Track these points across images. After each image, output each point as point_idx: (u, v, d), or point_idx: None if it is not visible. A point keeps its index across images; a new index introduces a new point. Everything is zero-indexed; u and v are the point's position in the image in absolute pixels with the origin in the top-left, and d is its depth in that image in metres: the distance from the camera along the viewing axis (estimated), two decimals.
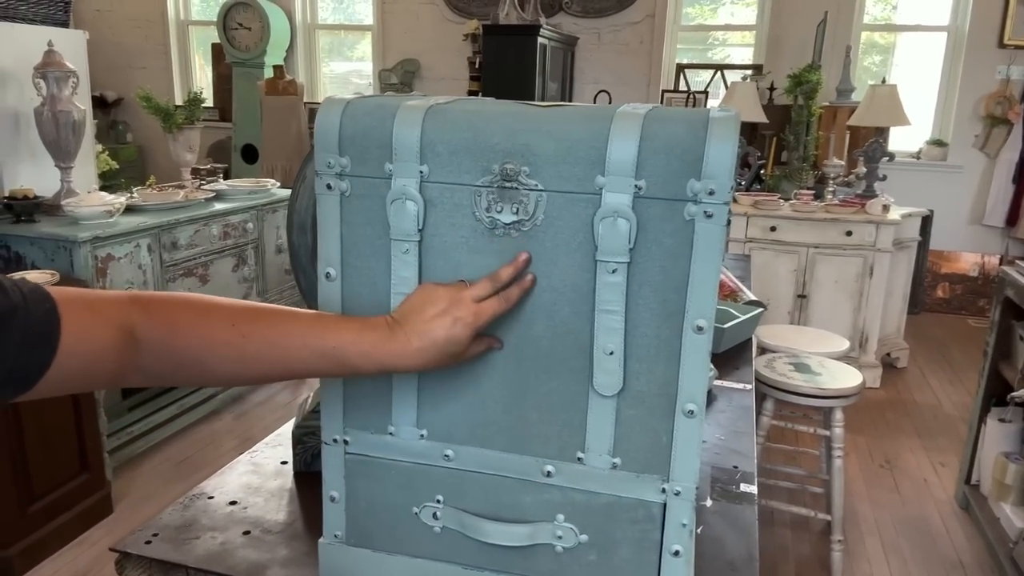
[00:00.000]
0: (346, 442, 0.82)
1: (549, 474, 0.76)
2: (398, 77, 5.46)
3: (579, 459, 0.75)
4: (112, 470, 2.49)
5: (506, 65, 4.02)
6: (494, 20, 4.18)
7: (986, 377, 2.53)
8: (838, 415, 2.16)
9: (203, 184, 3.12)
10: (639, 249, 0.69)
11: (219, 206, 2.91)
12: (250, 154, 5.54)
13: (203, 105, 3.05)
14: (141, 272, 2.51)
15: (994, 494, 2.41)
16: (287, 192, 3.37)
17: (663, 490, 0.74)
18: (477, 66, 4.93)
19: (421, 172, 0.72)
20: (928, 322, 4.78)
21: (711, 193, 0.66)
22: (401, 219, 0.73)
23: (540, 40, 4.07)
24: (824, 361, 2.32)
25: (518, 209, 0.71)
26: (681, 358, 0.70)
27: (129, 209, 2.58)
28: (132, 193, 2.70)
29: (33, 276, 2.16)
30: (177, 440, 2.91)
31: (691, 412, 0.71)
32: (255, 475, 1.14)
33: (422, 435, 0.79)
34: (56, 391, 0.62)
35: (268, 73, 5.35)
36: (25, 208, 2.36)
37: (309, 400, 1.22)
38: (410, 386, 0.78)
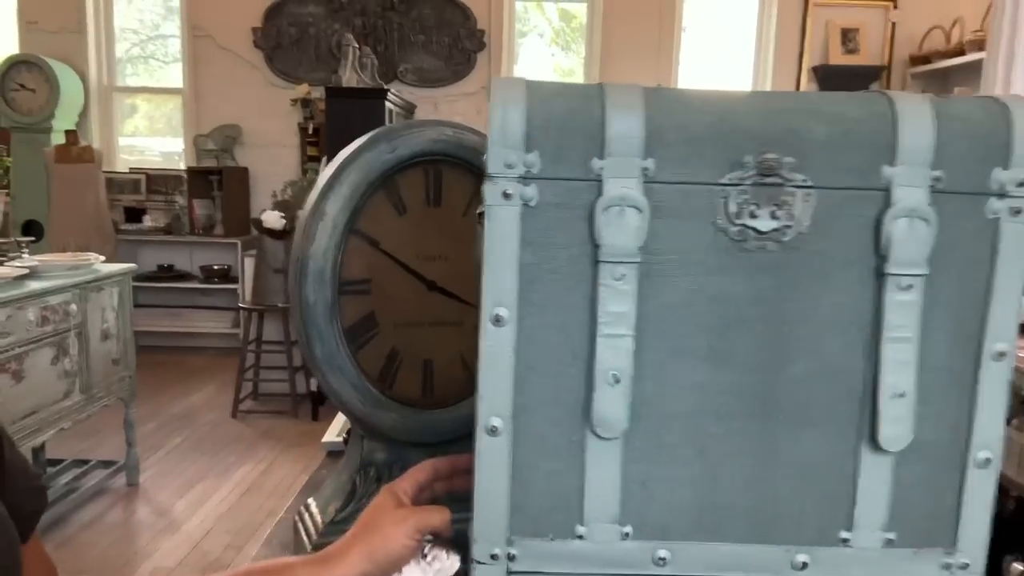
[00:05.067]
0: (511, 557, 0.57)
1: (804, 565, 0.58)
2: (216, 143, 5.00)
3: (843, 540, 0.58)
4: None
5: (353, 128, 3.81)
6: (336, 83, 3.97)
7: None
8: None
9: (6, 261, 2.55)
10: (933, 258, 0.55)
11: (34, 284, 2.37)
12: (32, 230, 4.74)
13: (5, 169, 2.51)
14: None
15: None
16: (112, 268, 2.87)
17: (947, 565, 0.58)
18: (311, 131, 4.66)
19: (645, 169, 0.54)
20: None
21: (1022, 184, 0.54)
22: (617, 233, 0.53)
23: (388, 104, 3.92)
24: None
25: (780, 212, 0.54)
26: (976, 393, 0.57)
27: None
28: None
29: None
30: None
31: (986, 461, 0.57)
32: None
33: (626, 533, 0.58)
34: None
35: (58, 139, 4.66)
36: None
37: (313, 508, 0.92)
38: (611, 464, 0.57)
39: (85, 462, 2.96)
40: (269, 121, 5.00)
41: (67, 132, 4.62)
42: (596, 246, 0.54)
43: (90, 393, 2.66)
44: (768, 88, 5.09)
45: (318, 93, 4.53)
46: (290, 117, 4.90)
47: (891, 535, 0.58)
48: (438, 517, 0.62)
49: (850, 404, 0.56)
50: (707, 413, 0.57)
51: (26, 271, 2.41)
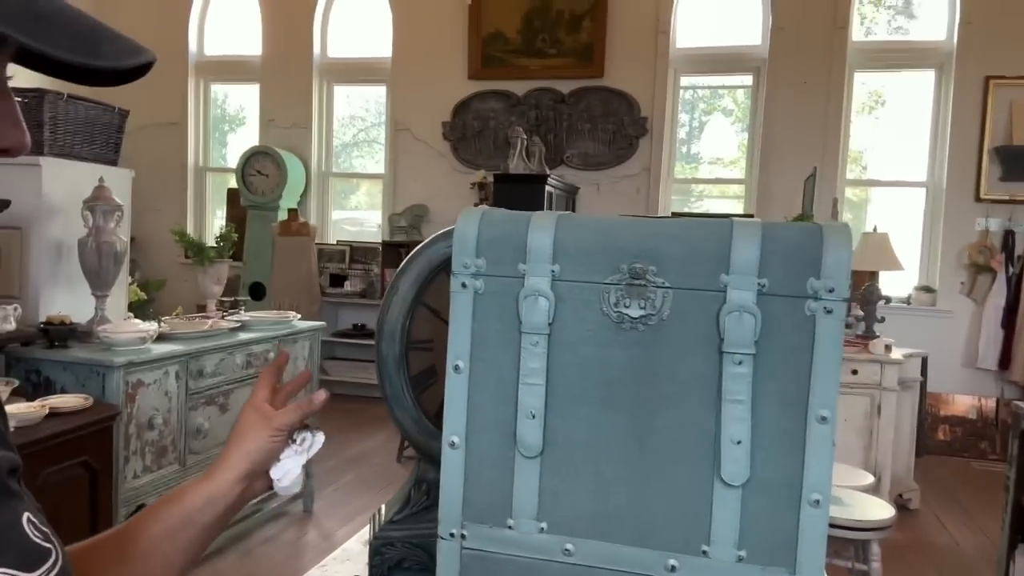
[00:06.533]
0: (463, 536, 0.82)
1: (673, 568, 0.77)
2: (407, 220, 5.69)
3: (704, 552, 0.77)
4: None
5: (515, 208, 4.23)
6: (504, 170, 4.45)
7: (1010, 513, 2.52)
8: (875, 549, 2.14)
9: (226, 315, 3.17)
10: (763, 342, 0.74)
11: (243, 336, 2.95)
12: (257, 291, 5.64)
13: (232, 241, 3.16)
14: (167, 399, 2.50)
15: None
16: (307, 324, 3.43)
17: None
18: None
19: (553, 271, 0.79)
20: (933, 464, 4.76)
21: (831, 291, 0.73)
22: (533, 314, 0.79)
23: (548, 188, 4.32)
24: (853, 493, 2.32)
25: (645, 304, 0.77)
26: (806, 448, 0.74)
27: (158, 337, 2.61)
28: (161, 322, 2.74)
29: (65, 400, 2.15)
30: None
31: (817, 502, 0.74)
32: None
33: (542, 528, 0.80)
34: None
35: (282, 215, 5.56)
36: (60, 334, 2.39)
37: (383, 511, 1.21)
38: (531, 476, 0.81)
39: (269, 488, 3.51)
40: (451, 202, 5.61)
41: (289, 210, 5.51)
42: (520, 322, 0.80)
43: None
44: (945, 169, 4.89)
45: (492, 178, 5.05)
46: (469, 198, 5.47)
47: (742, 553, 0.76)
48: (292, 415, 0.78)
49: (705, 447, 0.76)
50: (600, 445, 0.79)
51: (239, 324, 3.00)
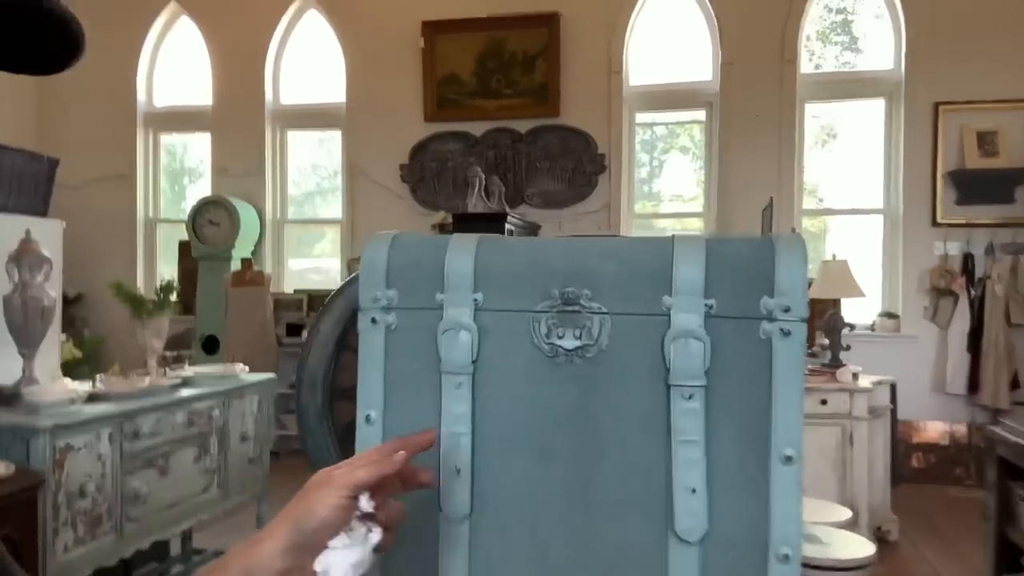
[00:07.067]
0: None
1: None
2: None
3: None
4: None
5: None
6: (463, 210, 4.37)
7: (993, 542, 2.43)
8: None
9: (168, 371, 3.00)
10: (714, 372, 0.65)
11: (185, 392, 2.78)
12: (211, 345, 5.44)
13: (174, 293, 3.01)
14: (100, 464, 2.32)
15: None
16: (256, 377, 3.27)
17: None
18: None
19: (475, 300, 0.69)
20: (909, 493, 4.69)
21: (787, 310, 0.64)
22: (453, 350, 0.68)
23: (507, 226, 4.25)
24: (830, 531, 2.22)
25: (581, 333, 0.67)
26: (770, 494, 0.64)
27: (92, 397, 2.44)
28: (96, 381, 2.57)
29: None
30: None
31: (786, 556, 0.64)
32: None
33: None
34: None
35: (236, 266, 5.40)
36: None
37: None
38: (460, 543, 0.69)
39: (222, 552, 3.30)
40: None
41: (243, 260, 5.35)
42: (440, 360, 0.69)
43: (226, 489, 3.00)
44: (900, 195, 4.94)
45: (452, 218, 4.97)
46: None
47: None
48: (364, 472, 0.60)
49: (656, 497, 0.66)
50: (536, 501, 0.68)
51: (180, 380, 2.83)
